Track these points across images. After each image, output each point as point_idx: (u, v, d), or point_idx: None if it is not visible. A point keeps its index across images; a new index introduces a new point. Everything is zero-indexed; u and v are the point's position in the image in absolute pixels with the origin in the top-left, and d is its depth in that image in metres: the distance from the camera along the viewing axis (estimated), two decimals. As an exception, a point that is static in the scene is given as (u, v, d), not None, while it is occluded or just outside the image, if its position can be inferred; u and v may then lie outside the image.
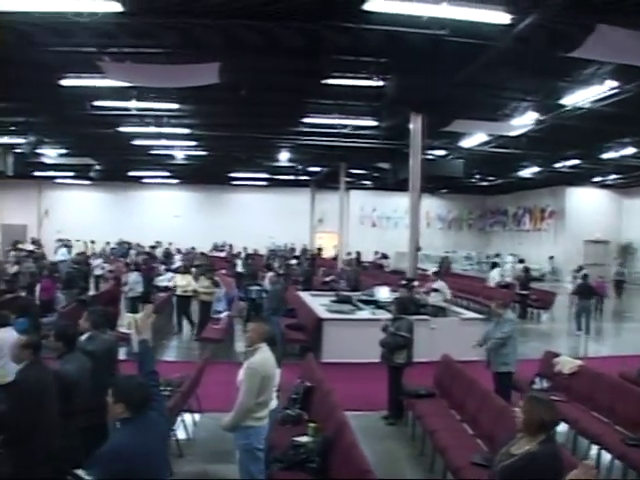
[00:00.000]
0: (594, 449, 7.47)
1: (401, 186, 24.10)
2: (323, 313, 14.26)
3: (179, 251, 31.53)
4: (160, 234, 35.32)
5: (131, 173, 33.88)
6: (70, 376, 5.78)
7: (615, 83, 14.02)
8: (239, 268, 24.36)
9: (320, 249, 34.58)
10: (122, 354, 8.54)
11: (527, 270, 22.27)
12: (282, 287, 15.86)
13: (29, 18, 9.92)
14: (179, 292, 16.45)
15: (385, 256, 33.60)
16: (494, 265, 25.36)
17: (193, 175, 34.12)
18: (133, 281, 16.89)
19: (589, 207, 34.62)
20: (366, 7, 9.77)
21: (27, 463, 5.30)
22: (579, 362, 9.65)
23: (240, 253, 32.84)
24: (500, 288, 21.65)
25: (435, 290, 15.30)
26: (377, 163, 27.29)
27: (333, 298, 16.05)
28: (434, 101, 15.31)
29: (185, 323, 16.53)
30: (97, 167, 30.64)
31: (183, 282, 16.51)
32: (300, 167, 30.37)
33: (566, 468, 3.88)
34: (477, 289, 22.81)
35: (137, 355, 4.84)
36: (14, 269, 19.97)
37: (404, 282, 14.40)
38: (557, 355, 10.15)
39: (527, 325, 18.62)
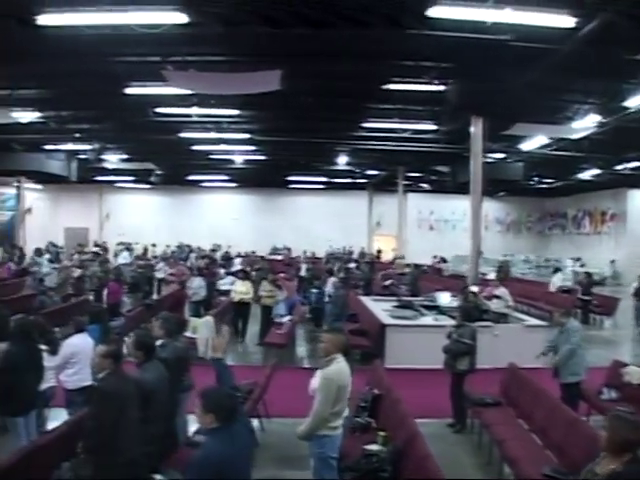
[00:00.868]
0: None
1: (460, 189, 24.09)
2: (386, 319, 14.20)
3: (239, 254, 31.79)
4: (218, 237, 35.75)
5: (190, 177, 34.35)
6: (149, 384, 5.92)
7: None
8: (303, 272, 24.48)
9: (379, 252, 34.40)
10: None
11: (589, 275, 21.90)
12: (346, 293, 15.87)
13: (97, 30, 10.14)
14: (238, 299, 16.22)
15: (444, 260, 33.32)
16: (556, 270, 24.91)
17: (251, 179, 34.42)
18: (197, 286, 17.10)
19: (651, 210, 33.81)
20: (429, 13, 9.78)
21: (106, 469, 5.44)
22: (650, 372, 9.48)
23: (300, 257, 33.02)
24: (561, 293, 21.39)
25: (497, 297, 15.17)
26: (436, 166, 27.20)
27: (395, 303, 15.95)
28: (495, 105, 15.23)
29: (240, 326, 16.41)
30: (158, 172, 31.18)
31: (243, 289, 16.29)
32: (358, 171, 30.38)
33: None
34: (538, 294, 22.48)
35: (215, 372, 4.98)
36: (78, 273, 20.40)
37: (466, 289, 14.33)
38: (625, 365, 9.98)
39: (590, 332, 18.24)
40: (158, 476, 5.97)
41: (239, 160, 26.44)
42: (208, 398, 4.33)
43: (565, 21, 9.96)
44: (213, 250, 32.32)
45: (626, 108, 15.97)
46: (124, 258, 26.80)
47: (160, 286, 23.11)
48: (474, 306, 12.47)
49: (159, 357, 6.54)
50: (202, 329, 12.58)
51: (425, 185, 35.54)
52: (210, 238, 35.67)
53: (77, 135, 21.76)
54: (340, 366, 5.85)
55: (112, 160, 26.22)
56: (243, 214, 38.84)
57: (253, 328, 16.17)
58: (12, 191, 34.31)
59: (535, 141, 20.70)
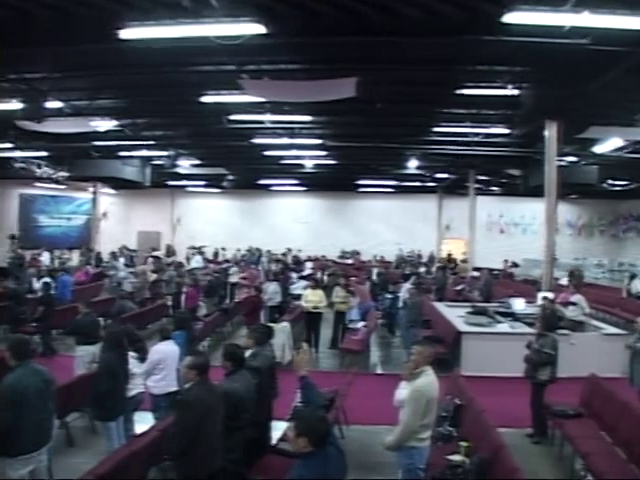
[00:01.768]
0: None
1: (531, 192, 23.77)
2: (461, 326, 14.15)
3: (309, 258, 31.88)
4: (287, 241, 35.88)
5: (260, 181, 34.61)
6: (238, 393, 6.07)
7: None
8: (374, 276, 24.47)
9: (450, 255, 34.05)
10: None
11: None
12: (421, 299, 15.80)
13: (175, 42, 10.33)
14: (309, 308, 15.67)
15: (515, 264, 32.74)
16: (633, 276, 24.30)
17: (320, 182, 34.48)
18: (273, 291, 17.21)
19: None
20: (505, 20, 9.71)
21: (189, 475, 5.60)
22: None
23: (370, 260, 32.99)
24: (637, 299, 20.94)
25: (572, 304, 14.90)
26: (507, 169, 26.88)
27: (469, 309, 15.77)
28: (571, 108, 15.01)
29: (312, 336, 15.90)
30: (230, 177, 31.58)
31: (314, 298, 15.76)
32: (428, 174, 30.23)
33: None
34: (613, 300, 22.00)
35: (301, 389, 5.05)
36: (153, 277, 20.82)
37: (546, 298, 14.14)
38: None
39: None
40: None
41: (309, 164, 26.55)
42: (301, 421, 4.32)
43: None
44: (283, 254, 32.50)
45: None
46: (197, 262, 27.19)
47: (233, 290, 23.28)
48: (554, 314, 12.27)
49: (250, 366, 6.68)
50: (279, 335, 12.70)
51: (495, 188, 35.08)
52: (279, 242, 35.86)
53: (151, 142, 22.20)
54: (429, 379, 5.90)
55: (184, 165, 26.62)
56: (312, 218, 38.88)
57: (324, 332, 16.20)
58: (87, 196, 35.19)
59: (610, 144, 20.27)
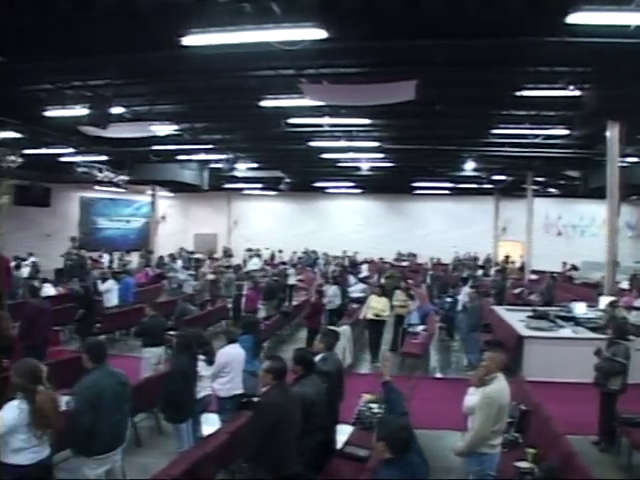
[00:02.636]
0: None
1: (591, 194, 23.43)
2: (523, 330, 13.95)
3: (365, 260, 31.83)
4: (343, 243, 35.95)
5: (316, 184, 34.73)
6: (309, 397, 6.13)
7: None
8: (429, 280, 24.38)
9: (508, 257, 33.63)
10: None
11: None
12: (481, 303, 15.67)
13: (235, 48, 10.43)
14: (372, 315, 15.17)
15: (575, 267, 32.17)
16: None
17: (377, 185, 34.44)
18: (332, 294, 17.21)
19: None
20: (569, 20, 9.60)
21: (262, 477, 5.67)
22: None
23: (426, 263, 32.84)
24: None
25: (636, 308, 14.59)
26: (566, 171, 26.53)
27: (529, 313, 15.58)
28: (633, 109, 14.75)
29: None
30: (286, 179, 31.77)
31: (378, 305, 15.23)
32: (484, 176, 29.98)
33: None
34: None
35: (385, 395, 5.09)
36: (211, 278, 21.06)
37: (614, 302, 13.88)
38: None
39: None
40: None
41: (365, 167, 26.55)
42: (382, 427, 4.36)
43: None
44: (342, 257, 32.49)
45: None
46: (254, 264, 27.40)
47: (291, 293, 23.34)
48: (626, 321, 12.01)
49: (321, 370, 6.74)
50: (340, 338, 12.72)
51: (553, 190, 34.61)
52: (334, 244, 35.98)
53: (210, 146, 22.47)
54: (501, 385, 5.88)
55: (241, 168, 26.87)
56: (368, 220, 38.81)
57: (386, 336, 16.13)
58: (145, 199, 35.81)
59: (672, 144, 19.91)
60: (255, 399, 8.33)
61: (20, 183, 27.04)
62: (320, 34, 9.68)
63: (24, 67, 12.46)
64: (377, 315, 15.16)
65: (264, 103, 15.41)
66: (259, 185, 34.79)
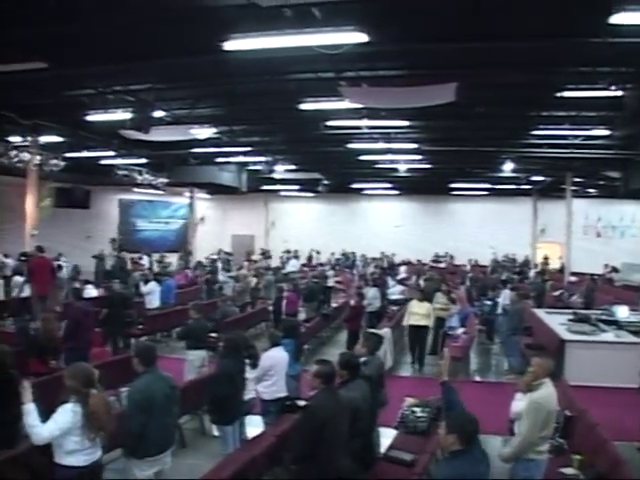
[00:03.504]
0: None
1: (632, 195, 23.18)
2: (565, 334, 13.80)
3: (403, 262, 31.74)
4: (381, 244, 35.93)
5: (353, 185, 34.77)
6: (354, 402, 6.17)
7: None
8: (468, 282, 24.24)
9: (547, 259, 33.28)
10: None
11: None
12: (522, 306, 15.53)
13: (275, 53, 10.49)
14: (413, 321, 14.82)
15: (615, 269, 31.69)
16: None
17: (414, 186, 34.37)
18: (372, 296, 17.14)
19: None
20: (612, 21, 9.52)
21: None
22: None
23: (465, 265, 32.66)
24: None
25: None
26: (606, 172, 26.26)
27: (570, 316, 15.42)
28: (678, 109, 14.59)
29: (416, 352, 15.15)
30: (325, 181, 31.84)
31: (420, 310, 14.87)
32: (522, 177, 29.75)
33: None
34: None
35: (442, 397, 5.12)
36: (254, 282, 21.14)
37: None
38: None
39: None
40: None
41: (403, 168, 26.51)
42: (452, 419, 4.49)
43: None
44: (380, 258, 32.46)
45: None
46: (293, 266, 27.50)
47: (329, 295, 23.11)
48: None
49: (363, 374, 6.78)
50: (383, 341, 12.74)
51: (592, 190, 34.25)
52: (372, 245, 35.98)
53: (248, 148, 22.63)
54: (549, 391, 5.87)
55: (279, 170, 27.00)
56: (405, 221, 38.65)
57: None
58: (183, 201, 36.12)
59: None
60: (298, 402, 8.45)
61: (61, 185, 27.46)
62: (361, 38, 9.69)
63: (67, 73, 12.66)
64: (420, 322, 14.81)
65: (303, 106, 15.45)
66: (296, 187, 34.93)
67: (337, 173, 30.32)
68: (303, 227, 39.24)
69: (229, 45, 9.80)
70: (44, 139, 19.61)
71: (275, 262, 32.87)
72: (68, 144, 20.57)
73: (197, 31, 10.50)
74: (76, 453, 5.39)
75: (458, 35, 10.76)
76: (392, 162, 24.71)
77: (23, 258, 18.56)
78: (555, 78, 14.09)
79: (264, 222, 40.88)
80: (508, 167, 25.27)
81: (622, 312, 15.52)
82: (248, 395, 8.40)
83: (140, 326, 15.84)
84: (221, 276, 22.16)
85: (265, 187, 35.00)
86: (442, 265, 34.22)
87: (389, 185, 34.01)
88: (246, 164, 26.80)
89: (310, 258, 35.21)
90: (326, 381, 5.94)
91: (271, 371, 8.61)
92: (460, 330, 15.22)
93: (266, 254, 34.98)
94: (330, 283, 23.28)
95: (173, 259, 30.83)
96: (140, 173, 25.78)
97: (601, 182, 30.21)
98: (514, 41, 11.05)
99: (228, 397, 7.59)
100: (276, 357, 8.80)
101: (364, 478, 6.51)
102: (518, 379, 8.84)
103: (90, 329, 12.05)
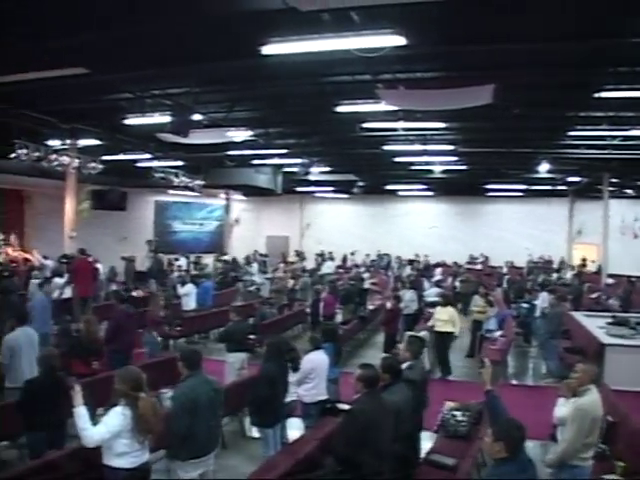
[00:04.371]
0: None
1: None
2: (604, 337, 13.66)
3: (438, 264, 31.56)
4: (415, 245, 35.81)
5: (388, 187, 34.73)
6: (396, 405, 6.20)
7: None
8: (505, 284, 24.07)
9: (584, 261, 32.87)
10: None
11: None
12: (562, 310, 15.41)
13: (313, 55, 10.53)
14: (436, 327, 14.64)
15: (653, 271, 31.28)
16: None
17: (448, 187, 34.22)
18: (409, 299, 17.12)
19: None
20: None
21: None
22: None
23: (502, 267, 32.42)
24: None
25: None
26: (644, 172, 26.00)
27: (608, 320, 15.26)
28: None
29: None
30: (360, 183, 31.83)
31: (443, 316, 14.66)
32: (559, 178, 29.50)
33: None
34: None
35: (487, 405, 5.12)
36: (291, 283, 21.22)
37: None
38: None
39: None
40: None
41: (438, 170, 26.42)
42: (500, 427, 4.49)
43: None
44: (412, 261, 32.37)
45: None
46: (328, 268, 27.52)
47: (365, 297, 22.95)
48: None
49: (407, 378, 6.80)
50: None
51: (629, 191, 33.82)
52: (406, 246, 35.87)
53: (284, 151, 22.72)
54: (594, 397, 5.85)
55: (314, 172, 27.05)
56: (439, 222, 38.45)
57: (460, 341, 16.03)
58: (218, 202, 36.37)
59: None
60: (339, 405, 8.50)
61: (98, 188, 27.77)
62: (399, 41, 9.70)
63: (106, 78, 12.82)
64: (442, 328, 14.57)
65: (339, 108, 15.48)
66: (331, 188, 34.94)
67: (372, 175, 30.31)
68: (337, 229, 39.24)
69: (267, 49, 9.87)
70: (82, 142, 19.92)
71: (310, 264, 32.99)
72: (105, 147, 20.83)
73: (236, 35, 10.62)
74: (125, 455, 5.51)
75: (495, 36, 10.73)
76: (427, 163, 24.64)
77: (64, 260, 18.79)
78: (593, 78, 13.97)
79: (299, 223, 41.00)
80: (544, 168, 25.08)
81: (662, 316, 15.37)
82: (289, 398, 8.49)
83: (178, 327, 16.01)
84: (257, 278, 22.24)
85: (300, 189, 35.11)
86: (478, 267, 33.99)
87: (424, 186, 33.89)
88: (281, 166, 26.91)
89: (345, 259, 35.17)
90: (369, 385, 5.98)
91: (312, 374, 8.68)
92: (498, 333, 15.14)
93: (301, 255, 35.03)
94: (366, 285, 23.26)
95: (208, 260, 31.00)
96: (177, 175, 25.95)
97: (639, 183, 29.84)
98: (552, 42, 10.99)
99: (270, 400, 7.67)
100: (317, 360, 8.87)
101: (407, 481, 6.53)
102: (556, 383, 8.79)
103: (132, 331, 12.20)
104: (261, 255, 32.25)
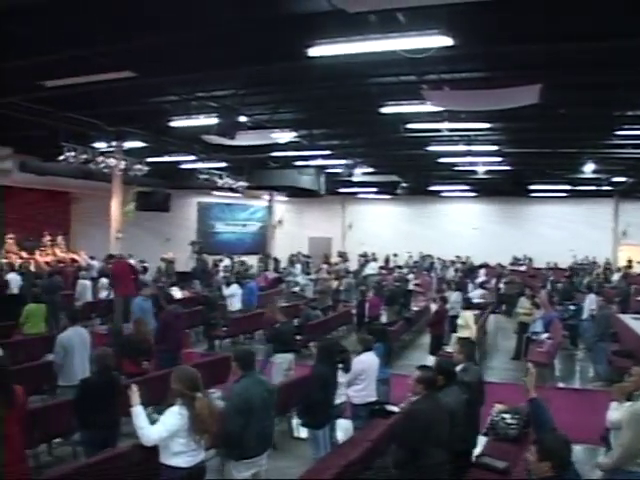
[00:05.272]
0: None
1: None
2: (653, 341, 13.42)
3: (481, 265, 31.31)
4: (458, 247, 35.56)
5: (431, 188, 34.59)
6: (449, 407, 6.19)
7: None
8: (549, 285, 23.82)
9: (630, 262, 32.30)
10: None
11: None
12: (610, 312, 15.22)
13: (358, 57, 10.52)
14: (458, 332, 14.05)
15: (699, 273, 30.63)
16: None
17: (492, 188, 33.94)
18: (454, 300, 17.04)
19: None
20: None
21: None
22: None
23: (547, 269, 32.07)
24: None
25: None
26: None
27: (658, 323, 15.05)
28: None
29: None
30: (403, 184, 31.73)
31: (460, 321, 14.53)
32: (604, 178, 29.09)
33: None
34: None
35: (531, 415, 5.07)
36: (335, 284, 21.24)
37: None
38: None
39: None
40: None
41: (482, 170, 26.24)
42: (545, 445, 4.30)
43: None
44: (453, 262, 32.24)
45: None
46: (371, 269, 27.49)
47: (410, 298, 22.75)
48: None
49: (462, 381, 6.79)
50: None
51: (677, 190, 33.28)
52: (449, 248, 35.61)
53: (327, 152, 22.75)
54: (649, 402, 5.77)
55: (356, 173, 27.05)
56: (482, 224, 38.08)
57: (506, 343, 15.92)
58: (260, 203, 36.62)
59: None
60: (387, 407, 8.50)
61: (143, 189, 28.09)
62: (446, 41, 9.66)
63: (152, 81, 12.98)
64: (459, 333, 13.95)
65: (384, 109, 15.46)
66: (374, 189, 34.83)
67: (415, 175, 30.22)
68: (380, 229, 39.11)
69: (314, 51, 9.88)
70: (128, 145, 20.20)
71: (353, 265, 32.98)
72: (150, 149, 21.08)
73: (282, 38, 10.66)
74: (182, 454, 5.58)
75: (541, 36, 10.65)
76: (471, 164, 24.48)
77: (110, 261, 19.06)
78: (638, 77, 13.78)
79: (341, 225, 41.01)
80: (589, 168, 24.77)
81: None
82: (339, 399, 8.50)
83: (224, 328, 16.14)
84: (301, 279, 22.30)
85: (342, 190, 35.12)
86: (522, 268, 33.63)
87: (467, 187, 33.72)
88: (325, 167, 26.95)
89: (387, 261, 35.08)
90: (428, 386, 6.00)
91: (362, 375, 8.69)
92: (544, 335, 14.99)
93: (344, 257, 35.03)
94: (410, 286, 23.18)
95: (251, 261, 31.14)
96: (220, 177, 26.15)
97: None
98: (601, 41, 10.86)
99: (320, 401, 7.70)
100: (367, 361, 8.89)
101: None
102: (605, 387, 8.68)
103: (180, 331, 12.33)
104: (304, 256, 32.31)
